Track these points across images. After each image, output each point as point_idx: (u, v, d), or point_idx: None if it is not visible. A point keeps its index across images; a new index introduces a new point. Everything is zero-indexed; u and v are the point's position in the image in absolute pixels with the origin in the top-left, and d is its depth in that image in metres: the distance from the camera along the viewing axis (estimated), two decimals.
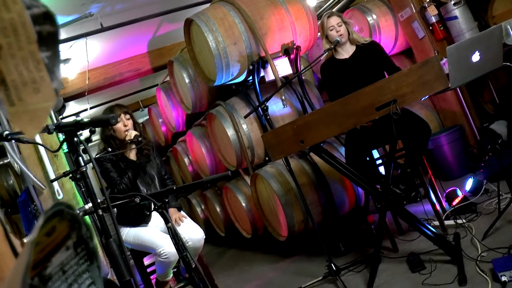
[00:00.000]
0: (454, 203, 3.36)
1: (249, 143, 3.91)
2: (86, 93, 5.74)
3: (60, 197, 3.26)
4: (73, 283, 0.48)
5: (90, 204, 1.59)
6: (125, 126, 2.97)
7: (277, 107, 3.85)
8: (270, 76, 3.67)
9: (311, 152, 3.03)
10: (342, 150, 3.74)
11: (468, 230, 2.89)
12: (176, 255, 2.53)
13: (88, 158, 1.43)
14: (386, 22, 4.81)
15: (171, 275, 3.10)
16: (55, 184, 3.20)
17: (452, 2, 4.22)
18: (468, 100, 4.55)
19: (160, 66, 6.11)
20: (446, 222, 3.14)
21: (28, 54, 0.41)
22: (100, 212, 1.33)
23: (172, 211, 3.05)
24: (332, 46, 3.13)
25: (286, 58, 3.65)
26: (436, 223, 3.14)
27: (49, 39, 0.43)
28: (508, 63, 2.59)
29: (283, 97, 3.68)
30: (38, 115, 0.42)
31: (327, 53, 3.15)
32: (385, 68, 3.21)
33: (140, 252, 3.12)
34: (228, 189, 4.52)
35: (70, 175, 2.78)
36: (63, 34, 4.50)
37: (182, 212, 3.12)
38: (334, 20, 3.18)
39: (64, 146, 2.91)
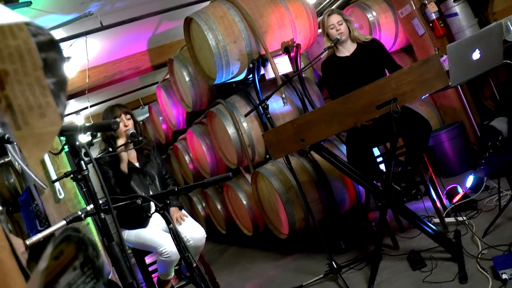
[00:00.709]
0: (454, 200, 3.37)
1: (250, 141, 3.91)
2: (86, 91, 5.74)
3: (61, 196, 3.27)
4: None
5: (92, 206, 1.59)
6: (126, 126, 2.97)
7: (277, 105, 3.85)
8: (270, 74, 3.67)
9: (311, 150, 3.03)
10: (343, 147, 3.74)
11: (468, 228, 2.90)
12: (178, 254, 2.54)
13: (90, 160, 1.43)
14: (386, 19, 4.80)
15: (173, 273, 3.11)
16: (57, 183, 3.21)
17: None
18: (469, 96, 4.55)
19: (160, 64, 6.10)
20: (447, 219, 3.15)
21: (34, 80, 0.42)
22: (102, 215, 1.33)
23: (173, 210, 3.05)
24: (332, 45, 3.12)
25: (286, 56, 3.65)
26: (437, 220, 3.15)
27: (54, 66, 0.44)
28: (508, 61, 2.58)
29: (284, 95, 3.69)
30: (44, 138, 0.43)
31: (327, 51, 3.15)
32: (386, 66, 3.21)
33: (142, 251, 3.13)
34: (229, 187, 4.53)
35: (71, 175, 2.80)
36: (63, 33, 4.50)
37: (183, 211, 3.12)
38: (335, 18, 3.17)
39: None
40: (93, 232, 3.32)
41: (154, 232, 2.93)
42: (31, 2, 3.40)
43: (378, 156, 3.45)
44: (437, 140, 4.29)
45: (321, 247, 3.19)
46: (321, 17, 3.37)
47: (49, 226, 3.49)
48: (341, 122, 2.52)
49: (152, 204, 2.89)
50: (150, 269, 3.39)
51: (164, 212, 1.77)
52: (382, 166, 3.35)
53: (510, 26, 3.68)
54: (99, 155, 2.60)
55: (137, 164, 3.03)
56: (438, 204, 3.17)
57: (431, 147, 4.30)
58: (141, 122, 6.81)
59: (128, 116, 3.01)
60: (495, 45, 2.46)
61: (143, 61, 6.07)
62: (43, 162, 3.29)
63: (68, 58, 5.21)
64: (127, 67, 6.02)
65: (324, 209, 3.66)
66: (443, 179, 3.99)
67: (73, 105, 7.29)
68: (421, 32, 4.54)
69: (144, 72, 6.24)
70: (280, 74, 3.59)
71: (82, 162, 1.34)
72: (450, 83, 2.34)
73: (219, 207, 5.16)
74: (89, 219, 3.32)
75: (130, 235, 2.99)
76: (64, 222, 1.63)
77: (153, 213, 2.94)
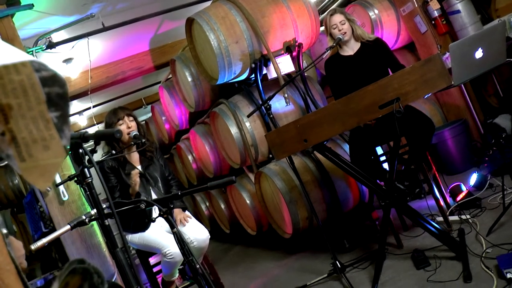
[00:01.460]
0: (458, 199, 3.36)
1: (253, 141, 3.92)
2: (89, 92, 5.76)
3: (65, 198, 3.27)
4: None
5: (95, 210, 1.60)
6: (129, 128, 2.97)
7: (280, 104, 3.85)
8: (272, 74, 3.67)
9: (314, 150, 3.03)
10: (346, 147, 3.74)
11: (472, 226, 2.89)
12: (182, 256, 2.55)
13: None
14: (388, 17, 4.78)
15: (177, 274, 3.12)
16: (61, 186, 3.22)
17: None
18: (472, 94, 4.53)
19: (162, 64, 6.11)
20: (451, 218, 3.14)
21: (37, 114, 0.42)
22: (106, 222, 1.34)
23: (177, 212, 3.06)
24: (334, 44, 3.12)
25: (288, 56, 3.65)
26: (440, 219, 3.14)
27: (58, 100, 0.44)
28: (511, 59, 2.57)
29: (286, 95, 3.69)
30: (48, 170, 0.43)
31: (329, 50, 3.14)
32: (389, 65, 3.20)
33: (146, 252, 3.14)
34: (232, 186, 4.54)
35: (75, 178, 2.80)
36: (65, 35, 4.52)
37: (187, 212, 3.13)
38: (337, 18, 3.16)
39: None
40: (98, 234, 3.34)
41: (158, 234, 2.94)
42: (33, 5, 3.40)
43: (381, 155, 3.45)
44: (441, 138, 4.28)
45: (325, 246, 3.19)
46: (323, 15, 3.36)
47: (53, 227, 3.51)
48: (344, 122, 2.52)
49: (155, 207, 2.89)
50: (155, 270, 3.40)
51: (168, 217, 1.78)
52: (385, 165, 3.35)
53: None
54: (102, 159, 2.60)
55: (139, 167, 3.03)
56: (442, 203, 3.16)
57: (434, 145, 4.29)
58: (143, 122, 6.85)
59: (131, 118, 3.01)
60: (498, 43, 2.45)
61: (145, 61, 6.08)
62: None
63: (71, 59, 5.24)
64: (129, 68, 6.03)
65: (328, 208, 3.66)
66: (446, 177, 3.98)
67: (76, 105, 7.32)
68: (423, 29, 4.53)
69: (147, 72, 6.25)
70: (282, 73, 3.59)
71: (86, 169, 1.35)
72: (452, 82, 2.33)
73: (222, 206, 5.17)
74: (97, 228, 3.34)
75: (134, 236, 2.99)
76: (68, 227, 1.64)
77: (156, 217, 2.94)
